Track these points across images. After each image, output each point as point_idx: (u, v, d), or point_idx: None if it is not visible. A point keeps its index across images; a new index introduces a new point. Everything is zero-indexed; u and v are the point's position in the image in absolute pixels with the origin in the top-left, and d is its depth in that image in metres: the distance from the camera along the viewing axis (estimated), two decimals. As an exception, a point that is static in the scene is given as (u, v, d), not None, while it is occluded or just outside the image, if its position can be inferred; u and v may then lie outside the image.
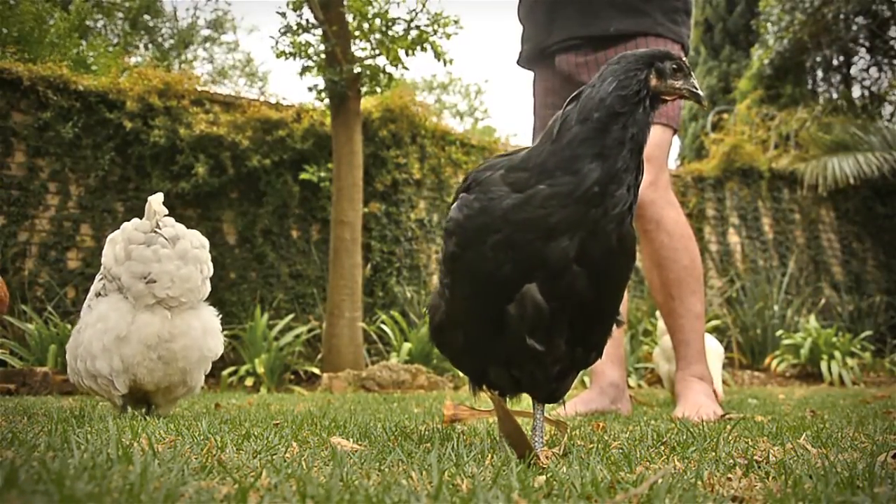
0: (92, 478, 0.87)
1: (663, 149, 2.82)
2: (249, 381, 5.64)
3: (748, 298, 8.24)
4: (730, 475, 1.06)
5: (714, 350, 3.13)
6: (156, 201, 2.30)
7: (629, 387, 4.93)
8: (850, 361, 7.04)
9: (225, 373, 5.71)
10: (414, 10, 5.95)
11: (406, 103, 7.63)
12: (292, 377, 6.14)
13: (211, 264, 2.37)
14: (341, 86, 5.94)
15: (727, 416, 2.36)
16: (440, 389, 5.35)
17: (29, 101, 6.39)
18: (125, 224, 2.33)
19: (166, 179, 6.56)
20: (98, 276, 2.38)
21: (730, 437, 1.59)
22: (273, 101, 7.46)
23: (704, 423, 2.00)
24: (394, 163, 7.49)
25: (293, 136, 7.01)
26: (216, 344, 2.36)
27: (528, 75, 3.19)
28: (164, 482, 0.87)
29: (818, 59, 13.35)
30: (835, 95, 13.52)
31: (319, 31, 6.05)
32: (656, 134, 2.74)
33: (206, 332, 2.31)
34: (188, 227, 2.36)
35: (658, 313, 3.78)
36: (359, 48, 6.13)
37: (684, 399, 2.59)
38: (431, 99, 25.83)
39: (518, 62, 3.16)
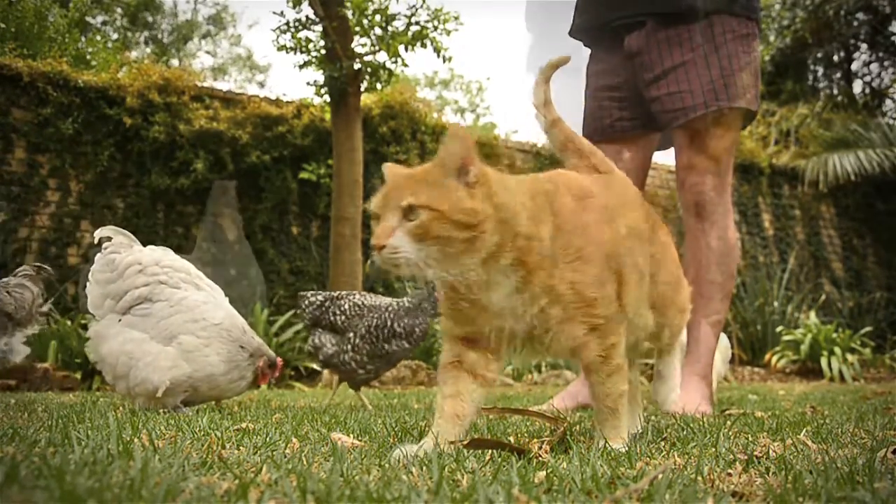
0: (92, 473, 0.88)
1: (731, 151, 2.67)
2: (249, 377, 5.63)
3: (748, 294, 8.23)
4: (730, 471, 1.06)
5: (722, 345, 3.14)
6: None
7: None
8: (850, 358, 7.04)
9: (225, 369, 5.71)
10: (414, 6, 5.95)
11: (406, 100, 7.63)
12: (292, 373, 6.13)
13: None
14: (341, 82, 5.93)
15: (727, 412, 2.37)
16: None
17: (29, 97, 6.38)
18: None
19: (166, 175, 6.55)
20: None
21: (730, 433, 1.59)
22: (273, 97, 7.45)
23: (704, 419, 2.00)
24: (394, 159, 7.49)
25: (293, 133, 7.00)
26: None
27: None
28: (165, 478, 0.87)
29: (819, 55, 13.32)
30: (835, 92, 13.50)
31: (319, 28, 6.04)
32: (726, 137, 2.60)
33: None
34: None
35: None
36: (359, 44, 6.13)
37: (681, 393, 2.60)
38: (433, 95, 25.80)
39: (570, 33, 2.91)
